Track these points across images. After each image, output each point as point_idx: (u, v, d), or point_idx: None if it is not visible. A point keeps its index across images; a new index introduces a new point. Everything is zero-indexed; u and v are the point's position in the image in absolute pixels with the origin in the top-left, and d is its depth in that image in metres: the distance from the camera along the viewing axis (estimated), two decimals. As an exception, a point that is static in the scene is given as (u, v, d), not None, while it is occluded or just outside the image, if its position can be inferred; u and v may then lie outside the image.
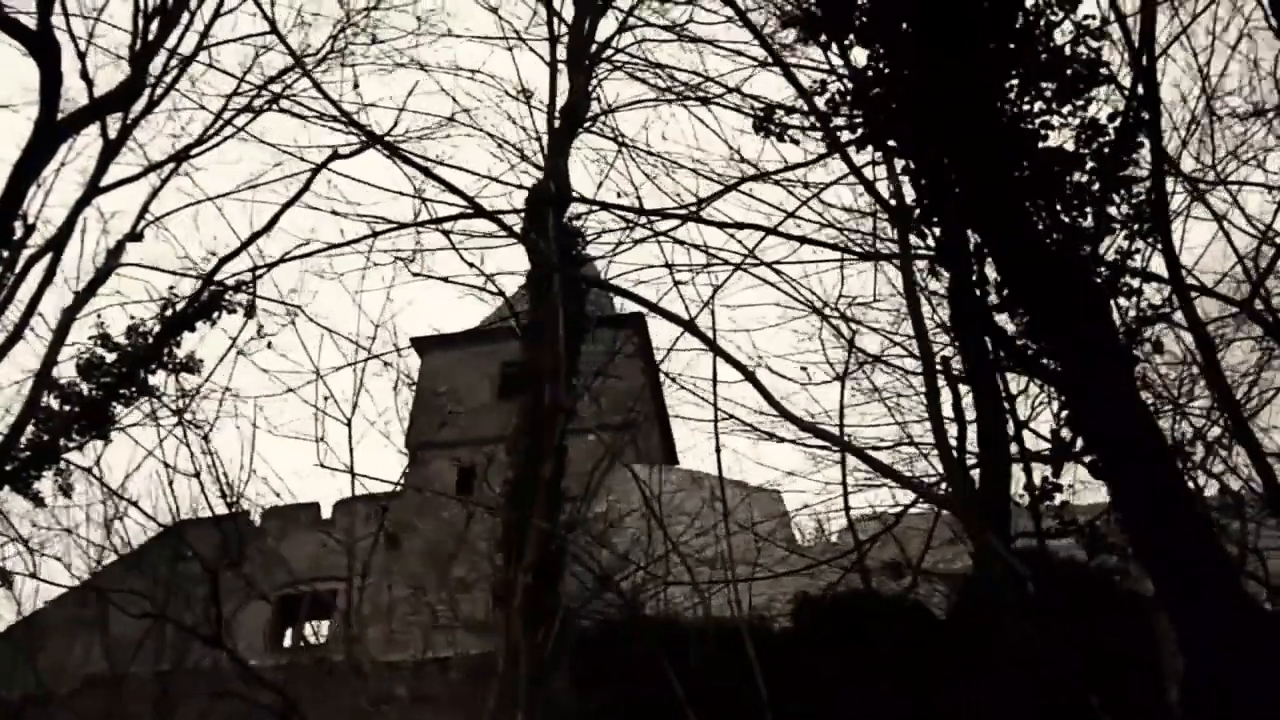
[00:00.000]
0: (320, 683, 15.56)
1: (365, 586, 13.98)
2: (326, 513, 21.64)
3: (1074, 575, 13.17)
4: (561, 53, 17.22)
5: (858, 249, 14.64)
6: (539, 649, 11.86)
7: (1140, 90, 10.61)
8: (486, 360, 22.98)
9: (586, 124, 16.58)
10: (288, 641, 21.32)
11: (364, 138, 17.67)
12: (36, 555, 17.96)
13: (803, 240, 14.43)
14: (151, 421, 17.70)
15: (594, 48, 17.36)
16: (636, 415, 19.69)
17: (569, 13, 17.46)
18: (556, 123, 16.29)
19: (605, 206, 15.47)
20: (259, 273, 18.61)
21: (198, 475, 14.87)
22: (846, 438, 14.90)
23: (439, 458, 19.85)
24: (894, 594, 14.49)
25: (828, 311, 14.77)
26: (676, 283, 14.43)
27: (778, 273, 14.69)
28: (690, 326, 13.53)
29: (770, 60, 14.98)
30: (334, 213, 16.87)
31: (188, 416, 16.57)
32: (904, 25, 10.72)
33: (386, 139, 17.31)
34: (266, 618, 20.29)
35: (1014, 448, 12.14)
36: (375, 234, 16.36)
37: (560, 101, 16.65)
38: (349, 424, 14.20)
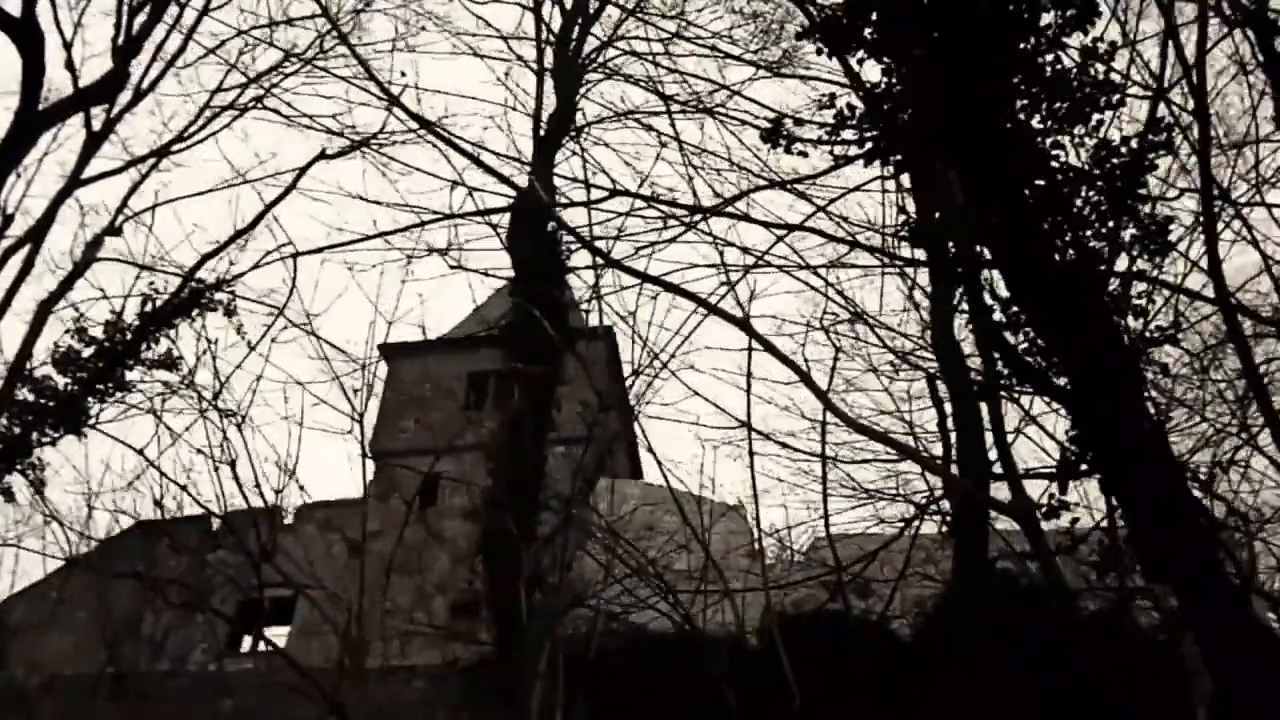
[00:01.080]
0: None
1: (377, 592, 13.64)
2: (288, 518, 21.24)
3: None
4: (550, 60, 17.15)
5: (877, 259, 14.59)
6: (584, 647, 11.80)
7: (1158, 110, 10.64)
8: (453, 369, 22.69)
9: (573, 133, 16.47)
10: (245, 647, 20.89)
11: (411, 118, 16.84)
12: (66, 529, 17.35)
13: (849, 243, 14.23)
14: (192, 409, 16.95)
15: (585, 56, 17.31)
16: (615, 427, 19.58)
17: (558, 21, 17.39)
18: (543, 129, 16.21)
19: (650, 200, 15.01)
20: (295, 260, 17.59)
21: (233, 464, 14.31)
22: (832, 452, 14.91)
23: (403, 465, 19.53)
24: (868, 611, 14.38)
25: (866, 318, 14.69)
26: (728, 283, 14.23)
27: (816, 272, 14.58)
28: (744, 325, 13.37)
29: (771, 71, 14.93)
30: (378, 201, 16.26)
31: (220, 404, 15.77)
32: (916, 41, 10.64)
33: (425, 119, 16.59)
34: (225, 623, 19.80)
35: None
36: (423, 223, 15.69)
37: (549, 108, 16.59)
38: (360, 419, 14.05)
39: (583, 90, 17.41)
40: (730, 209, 14.57)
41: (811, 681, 13.18)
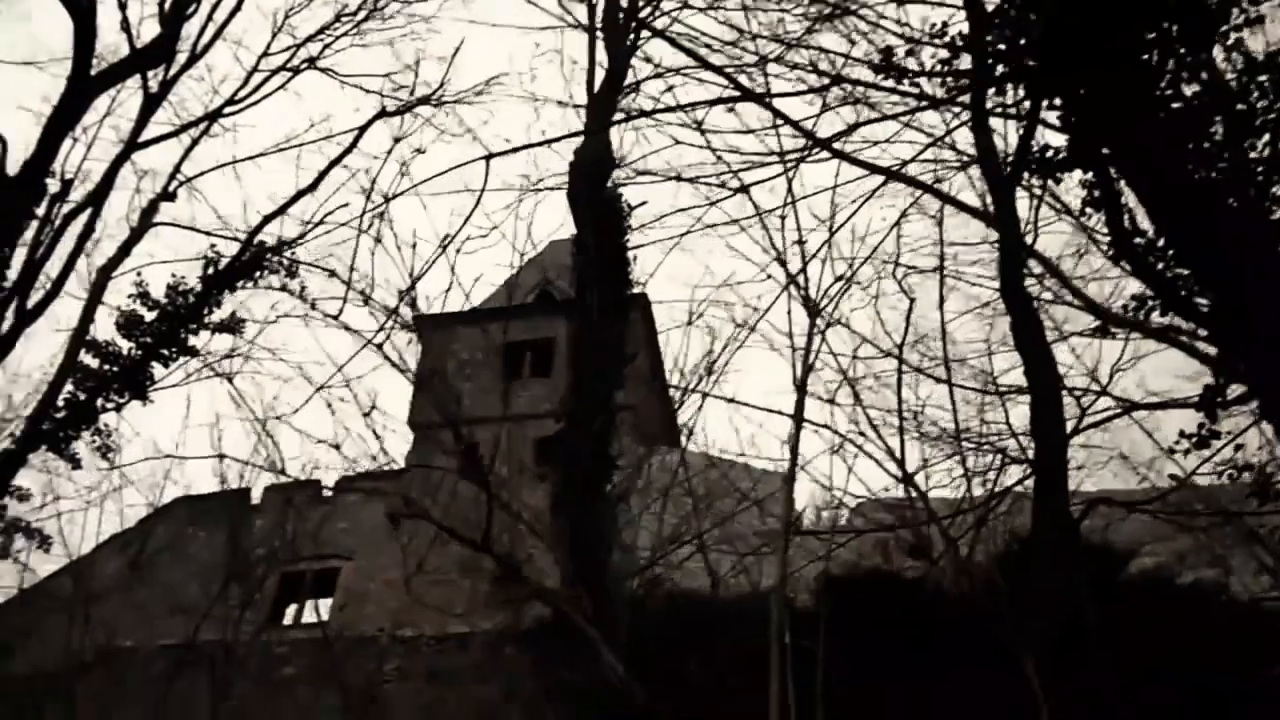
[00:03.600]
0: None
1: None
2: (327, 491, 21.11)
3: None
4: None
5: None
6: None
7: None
8: (489, 340, 22.49)
9: (627, 91, 15.96)
10: (289, 619, 20.77)
11: None
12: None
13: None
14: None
15: (636, 13, 16.78)
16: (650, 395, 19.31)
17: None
18: (596, 87, 15.76)
19: (793, 123, 13.90)
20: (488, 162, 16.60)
21: (434, 374, 13.37)
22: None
23: (442, 436, 19.19)
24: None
25: None
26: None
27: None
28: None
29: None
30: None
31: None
32: None
33: None
34: (270, 595, 19.70)
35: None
36: (646, 113, 14.86)
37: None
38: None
39: (641, 45, 16.86)
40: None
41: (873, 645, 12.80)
